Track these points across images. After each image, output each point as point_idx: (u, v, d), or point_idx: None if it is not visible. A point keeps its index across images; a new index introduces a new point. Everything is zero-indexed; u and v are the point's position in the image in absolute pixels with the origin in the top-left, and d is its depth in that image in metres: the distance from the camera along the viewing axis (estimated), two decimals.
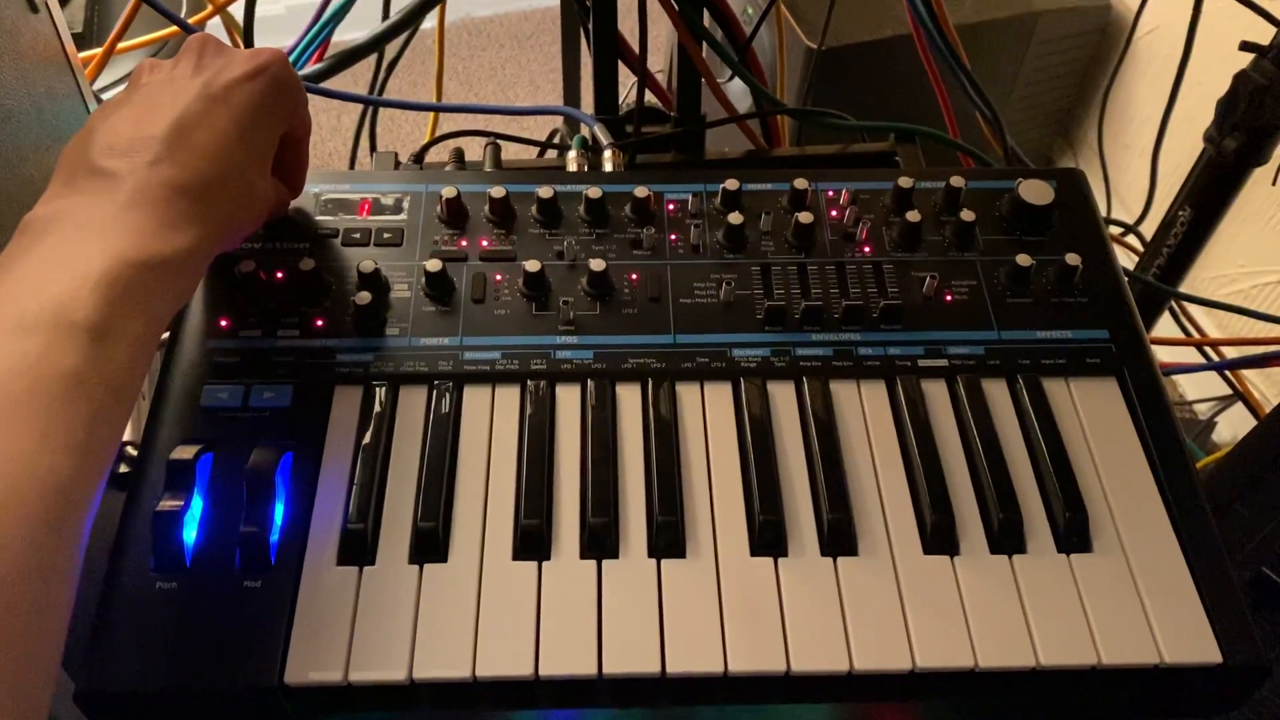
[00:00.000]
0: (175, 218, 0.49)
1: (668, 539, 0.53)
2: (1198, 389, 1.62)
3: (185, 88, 0.53)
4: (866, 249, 0.65)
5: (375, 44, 0.83)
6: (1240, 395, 1.17)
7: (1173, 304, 1.17)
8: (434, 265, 0.61)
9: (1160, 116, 1.14)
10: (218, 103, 0.53)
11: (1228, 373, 1.19)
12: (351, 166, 1.08)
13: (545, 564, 0.53)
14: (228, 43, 0.60)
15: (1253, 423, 1.12)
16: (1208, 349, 1.15)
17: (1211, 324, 1.68)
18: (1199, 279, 1.08)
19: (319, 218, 0.65)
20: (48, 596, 0.39)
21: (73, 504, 0.41)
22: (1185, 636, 0.51)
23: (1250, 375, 1.20)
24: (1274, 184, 0.92)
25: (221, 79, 0.54)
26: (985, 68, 0.89)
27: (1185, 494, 0.56)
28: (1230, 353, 1.15)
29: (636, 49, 0.89)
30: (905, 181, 0.66)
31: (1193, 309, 1.25)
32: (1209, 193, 0.97)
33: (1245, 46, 0.88)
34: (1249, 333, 1.52)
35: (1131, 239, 1.23)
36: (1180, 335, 1.21)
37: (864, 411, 0.59)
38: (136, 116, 0.52)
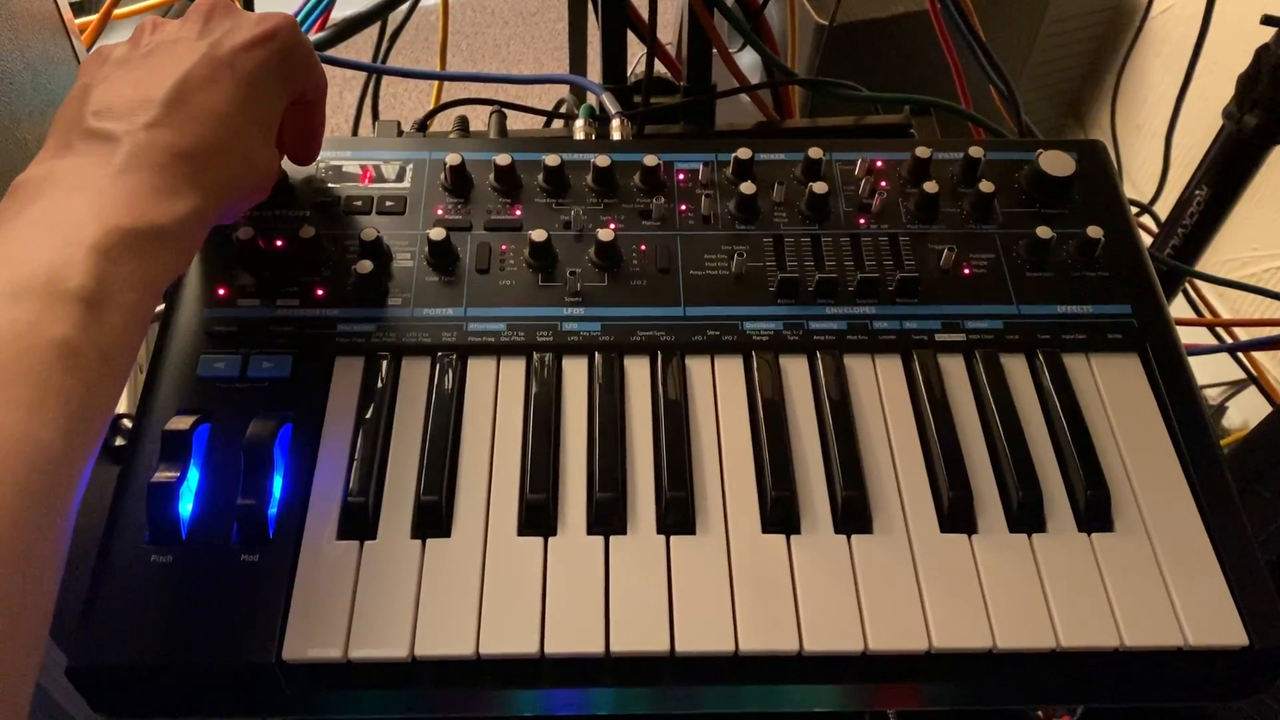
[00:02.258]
0: (172, 184, 0.47)
1: (677, 515, 0.52)
2: (1208, 374, 1.60)
3: (190, 49, 0.51)
4: (882, 221, 0.63)
5: (378, 12, 0.81)
6: (1254, 379, 1.16)
7: (1186, 286, 1.16)
8: (438, 234, 0.59)
9: (1174, 97, 1.12)
10: (223, 67, 0.51)
11: (1241, 355, 1.17)
12: (354, 135, 1.06)
13: (551, 540, 0.51)
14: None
15: (1264, 406, 1.11)
16: (1220, 331, 1.13)
17: (1224, 308, 1.67)
18: (1211, 262, 1.06)
19: (319, 185, 0.64)
20: (32, 572, 0.37)
21: (62, 478, 0.39)
22: (1210, 618, 0.49)
23: (1263, 359, 1.18)
24: None
25: (229, 43, 0.52)
26: (997, 46, 0.87)
27: (1210, 473, 0.54)
28: (1243, 335, 1.13)
29: (646, 18, 0.87)
30: (923, 152, 0.64)
31: (1205, 293, 1.23)
32: (1227, 171, 0.96)
33: (1267, 20, 0.86)
34: (1262, 318, 1.50)
35: (1146, 219, 1.21)
36: (1192, 317, 1.19)
37: (879, 387, 0.57)
38: (137, 78, 0.50)
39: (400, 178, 0.64)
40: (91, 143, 0.47)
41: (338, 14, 0.83)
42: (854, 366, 0.58)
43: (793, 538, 0.52)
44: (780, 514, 0.52)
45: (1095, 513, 0.53)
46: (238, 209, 0.55)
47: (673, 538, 0.51)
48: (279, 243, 0.59)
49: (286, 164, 0.62)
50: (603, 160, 0.64)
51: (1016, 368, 0.58)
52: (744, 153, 0.65)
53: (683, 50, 0.90)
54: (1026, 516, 0.52)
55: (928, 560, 0.51)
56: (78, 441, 0.40)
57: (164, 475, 0.50)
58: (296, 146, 0.61)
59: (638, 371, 0.58)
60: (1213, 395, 1.60)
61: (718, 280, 0.61)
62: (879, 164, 0.66)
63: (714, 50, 0.89)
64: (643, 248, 0.62)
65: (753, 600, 0.49)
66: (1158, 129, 1.76)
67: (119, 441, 0.60)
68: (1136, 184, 1.83)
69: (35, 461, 0.38)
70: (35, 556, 0.37)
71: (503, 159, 0.63)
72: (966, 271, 0.61)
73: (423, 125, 0.82)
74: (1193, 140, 1.20)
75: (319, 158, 0.64)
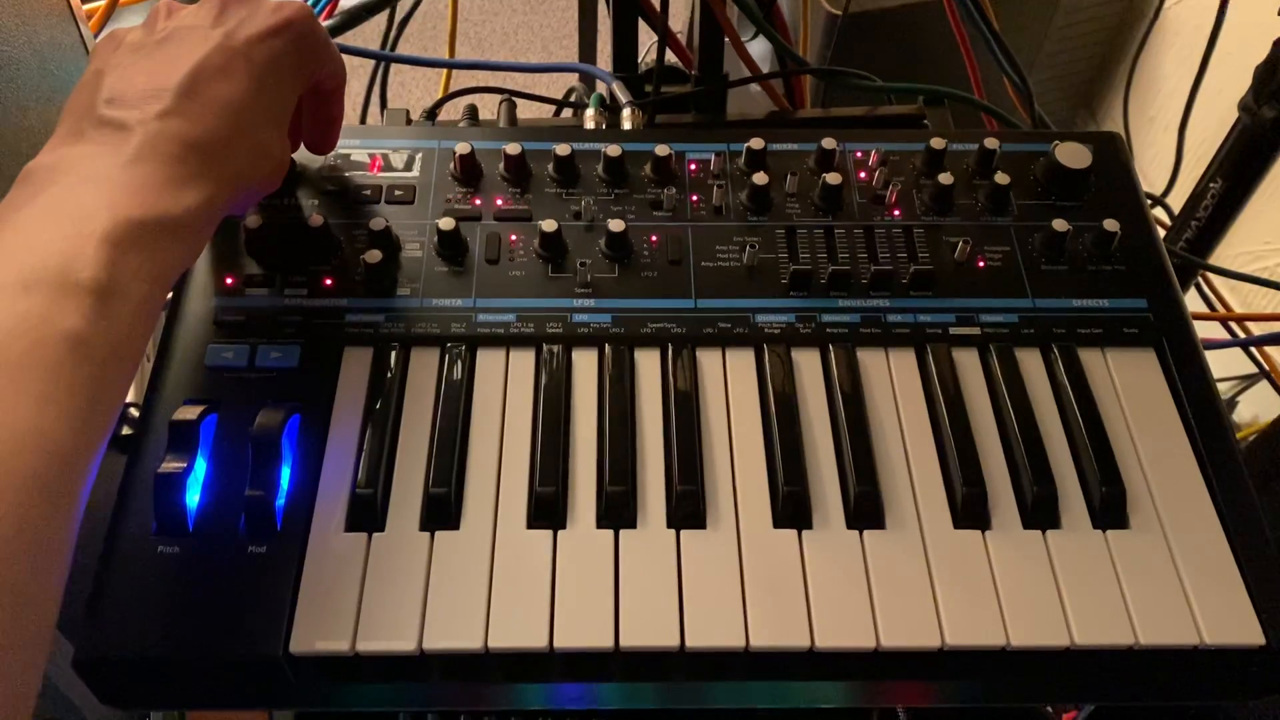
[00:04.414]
0: (183, 174, 0.46)
1: (687, 509, 0.51)
2: (1218, 368, 1.59)
3: (205, 37, 0.50)
4: (896, 212, 0.63)
5: (385, 0, 0.81)
6: (1266, 374, 1.15)
7: (1198, 280, 1.15)
8: (447, 224, 0.59)
9: (1187, 89, 1.11)
10: (238, 56, 0.50)
11: (1254, 350, 1.16)
12: (362, 124, 1.05)
13: (561, 533, 0.51)
14: None
15: (1275, 401, 1.10)
16: (1233, 325, 1.12)
17: (1236, 301, 1.66)
18: (1223, 256, 1.05)
19: (328, 173, 0.63)
20: (42, 566, 0.37)
21: (71, 471, 0.39)
22: (1226, 617, 0.49)
23: (1276, 354, 1.17)
24: None
25: (244, 31, 0.51)
26: (1009, 37, 0.86)
27: (1227, 470, 0.54)
28: (1255, 330, 1.12)
29: (657, 6, 0.86)
30: (938, 143, 0.64)
31: (1217, 286, 1.22)
32: (1242, 164, 0.95)
33: None
34: (1274, 312, 1.49)
35: (1159, 212, 1.20)
36: (1205, 311, 1.18)
37: (892, 381, 0.57)
38: (150, 66, 0.49)
39: (409, 167, 0.64)
40: (103, 131, 0.47)
41: (346, 1, 0.82)
42: (867, 360, 0.57)
43: (804, 533, 0.51)
44: (792, 509, 0.52)
45: (1110, 509, 0.52)
46: (249, 200, 0.54)
47: (683, 532, 0.51)
48: (288, 231, 0.59)
49: (295, 152, 0.62)
50: (614, 150, 0.63)
51: (1031, 362, 0.58)
52: (756, 143, 0.64)
53: (694, 39, 0.90)
54: (1041, 513, 0.52)
55: (941, 556, 0.50)
56: (87, 434, 0.40)
57: (171, 465, 0.50)
58: (314, 135, 0.60)
59: (648, 364, 0.57)
60: (1223, 390, 1.58)
61: (729, 272, 0.60)
62: (893, 155, 0.65)
63: (726, 39, 0.88)
64: (654, 239, 0.61)
65: (763, 596, 0.49)
66: (1170, 121, 1.74)
67: (126, 431, 0.60)
68: (1148, 177, 1.82)
69: (45, 453, 0.37)
70: (44, 548, 0.37)
71: (513, 148, 0.63)
72: (981, 264, 0.61)
73: (432, 114, 0.81)
74: (1206, 133, 1.19)
75: None
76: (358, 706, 0.51)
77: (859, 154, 0.65)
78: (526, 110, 0.86)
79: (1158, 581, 0.50)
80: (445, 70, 0.97)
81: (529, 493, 0.52)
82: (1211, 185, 0.98)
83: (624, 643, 0.47)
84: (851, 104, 0.94)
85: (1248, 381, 1.53)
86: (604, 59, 0.97)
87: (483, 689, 0.50)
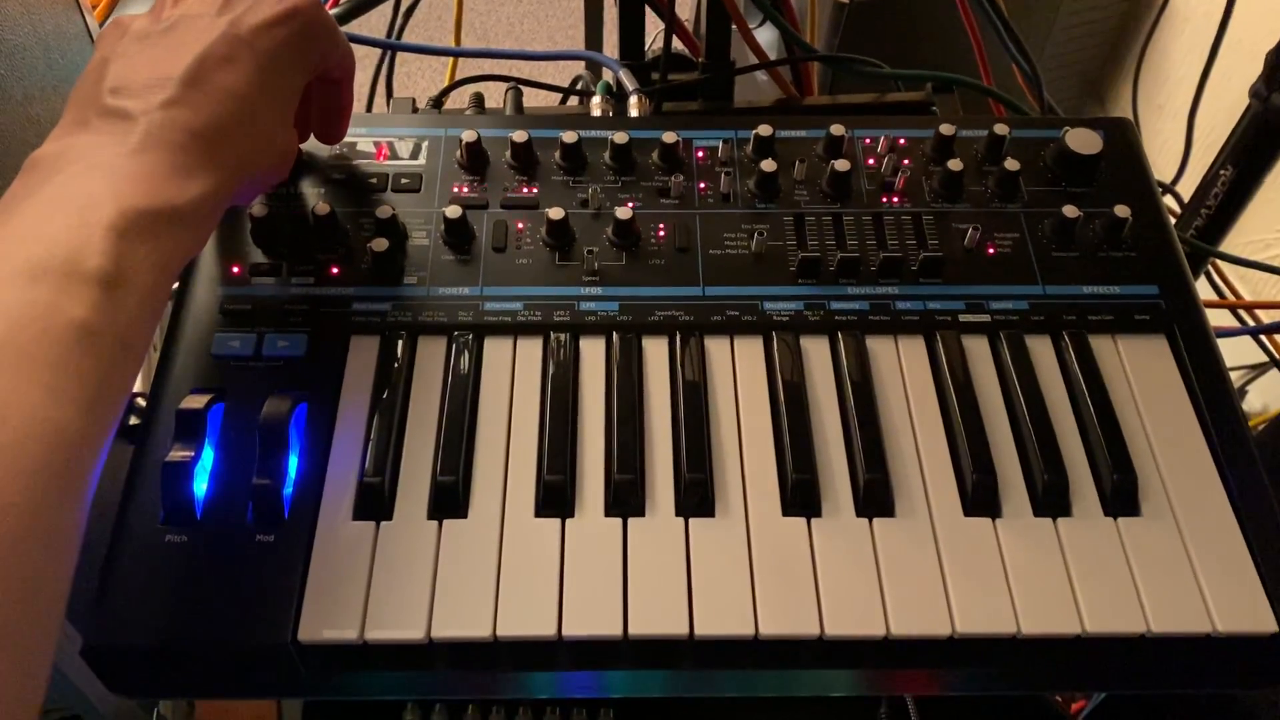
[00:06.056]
0: (188, 163, 0.46)
1: (696, 497, 0.51)
2: (1228, 356, 1.58)
3: (209, 26, 0.50)
4: (905, 199, 0.62)
5: None
6: (1276, 362, 1.14)
7: (1208, 268, 1.14)
8: (454, 212, 0.59)
9: (1196, 76, 1.10)
10: (243, 45, 0.50)
11: (1264, 338, 1.16)
12: (368, 112, 1.05)
13: (569, 521, 0.51)
14: None
15: None
16: (1242, 313, 1.12)
17: (1245, 289, 1.64)
18: (1233, 244, 1.05)
19: (334, 162, 0.63)
20: (51, 555, 0.37)
21: (80, 460, 0.39)
22: (1239, 604, 0.49)
23: None
24: None
25: (249, 20, 0.51)
26: (1018, 24, 0.86)
27: (1239, 457, 0.53)
28: (1265, 318, 1.12)
29: None
30: (947, 129, 0.63)
31: (1227, 274, 1.22)
32: (1253, 151, 0.94)
33: None
34: None
35: (1168, 200, 1.19)
36: (1215, 299, 1.18)
37: (902, 368, 0.57)
38: (155, 55, 0.49)
39: (415, 155, 0.64)
40: (108, 120, 0.46)
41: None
42: (876, 347, 0.57)
43: (813, 521, 0.51)
44: (801, 497, 0.51)
45: (1122, 497, 0.52)
46: (255, 189, 0.54)
47: (692, 520, 0.51)
48: (294, 219, 0.59)
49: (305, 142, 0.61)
50: (621, 137, 0.63)
51: (1042, 349, 0.57)
52: (765, 129, 0.64)
53: (701, 26, 0.89)
54: (1051, 500, 0.52)
55: (951, 544, 0.50)
56: (96, 423, 0.40)
57: (178, 455, 0.50)
58: (323, 125, 0.60)
59: (656, 352, 0.57)
60: (1232, 379, 1.58)
61: (737, 259, 0.60)
62: (902, 141, 0.65)
63: (733, 26, 0.87)
64: (661, 226, 0.61)
65: (773, 584, 0.49)
66: (1179, 109, 1.73)
67: (133, 420, 0.60)
68: (1157, 165, 1.80)
69: (54, 442, 0.37)
70: (54, 536, 0.37)
71: (519, 136, 0.62)
72: (991, 251, 0.60)
73: (438, 102, 0.81)
74: (1215, 120, 1.18)
75: None
76: (365, 695, 0.51)
77: (868, 141, 0.65)
78: (533, 98, 0.85)
79: (1169, 569, 0.50)
80: (451, 59, 0.96)
81: (537, 481, 0.52)
82: (1221, 173, 0.97)
83: (633, 631, 0.47)
84: (859, 91, 0.94)
85: (1258, 370, 1.52)
86: (610, 47, 0.97)
87: (491, 677, 0.50)
